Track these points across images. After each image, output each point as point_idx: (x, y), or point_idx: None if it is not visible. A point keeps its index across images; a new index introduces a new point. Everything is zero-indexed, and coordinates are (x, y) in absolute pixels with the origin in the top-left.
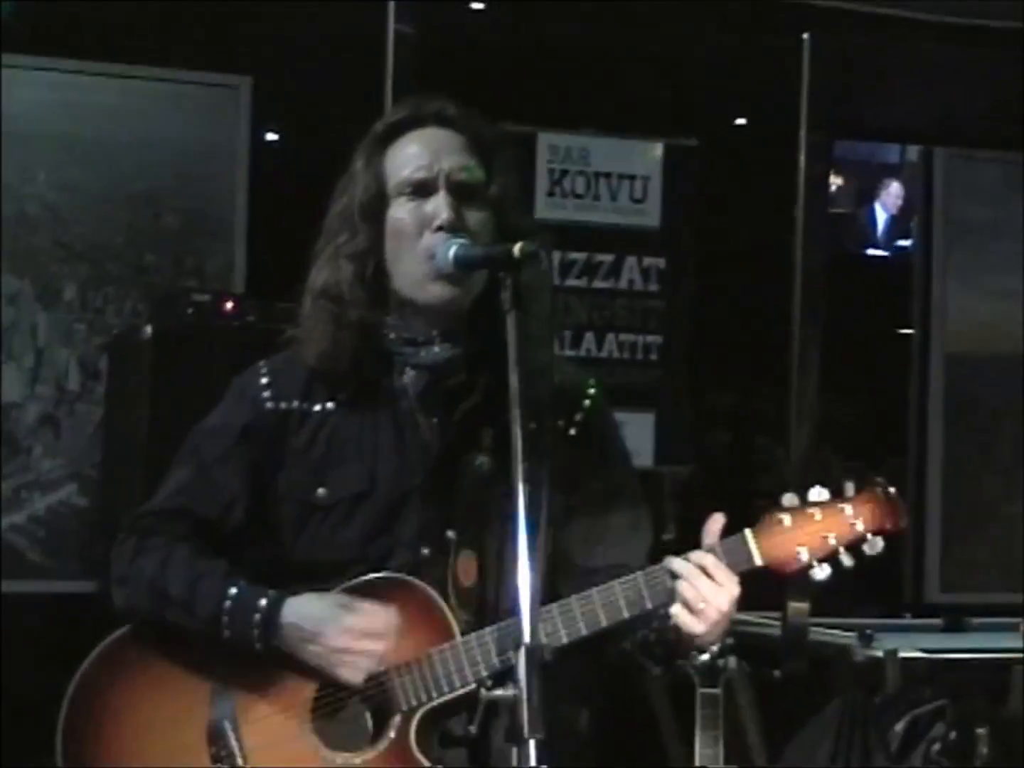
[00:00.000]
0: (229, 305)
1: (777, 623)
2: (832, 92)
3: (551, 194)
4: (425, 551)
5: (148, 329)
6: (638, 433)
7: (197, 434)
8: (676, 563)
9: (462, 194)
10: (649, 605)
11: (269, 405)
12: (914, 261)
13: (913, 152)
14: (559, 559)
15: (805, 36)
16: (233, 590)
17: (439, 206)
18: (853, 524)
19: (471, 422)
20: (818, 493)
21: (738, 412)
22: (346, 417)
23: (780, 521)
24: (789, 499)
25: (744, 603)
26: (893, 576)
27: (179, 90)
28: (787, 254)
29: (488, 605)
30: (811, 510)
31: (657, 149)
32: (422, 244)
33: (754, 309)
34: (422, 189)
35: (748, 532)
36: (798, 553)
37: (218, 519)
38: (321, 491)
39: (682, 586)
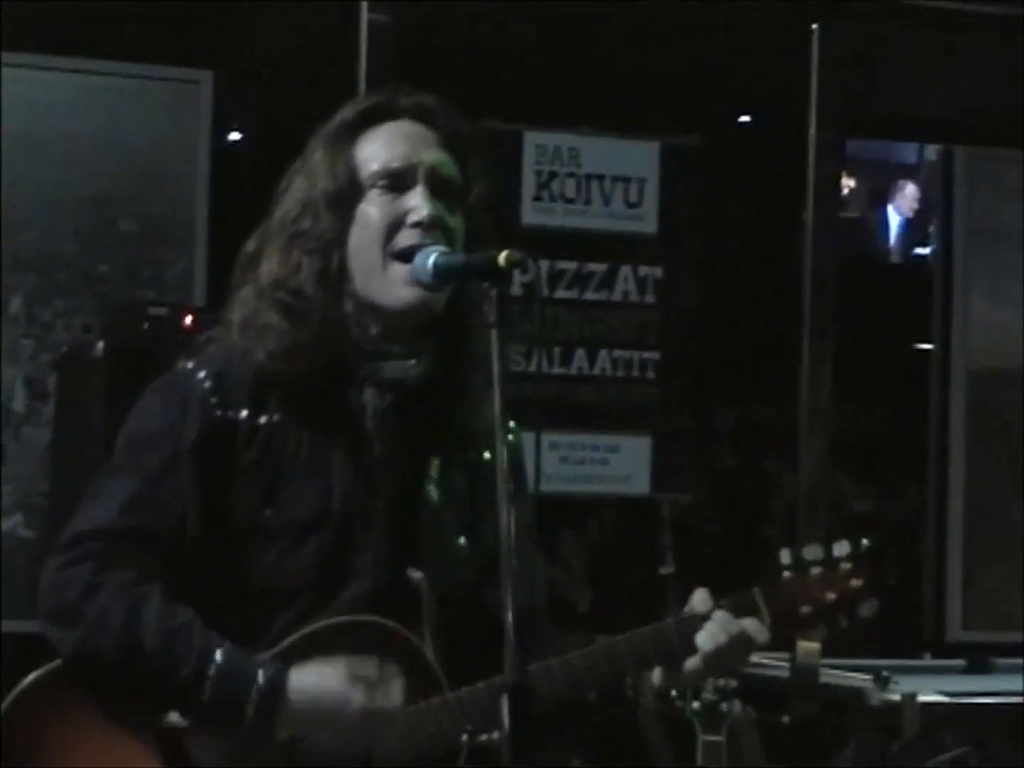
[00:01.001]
0: (189, 319)
1: (786, 664)
2: (844, 87)
3: (538, 198)
4: (382, 583)
5: (101, 345)
6: (634, 457)
7: (131, 441)
8: (702, 635)
9: (439, 192)
10: (653, 663)
11: (218, 414)
12: (933, 268)
13: (932, 152)
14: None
15: (814, 26)
16: (219, 654)
17: (417, 201)
18: (851, 584)
19: (425, 447)
20: (813, 551)
21: (743, 434)
22: (297, 431)
23: (786, 581)
24: (785, 556)
25: None
26: (912, 613)
27: (135, 85)
28: (796, 262)
29: (460, 647)
30: (813, 570)
31: (654, 149)
32: (395, 242)
33: (760, 322)
34: (398, 182)
35: (757, 591)
36: (802, 612)
37: (171, 537)
38: (269, 512)
39: (704, 642)
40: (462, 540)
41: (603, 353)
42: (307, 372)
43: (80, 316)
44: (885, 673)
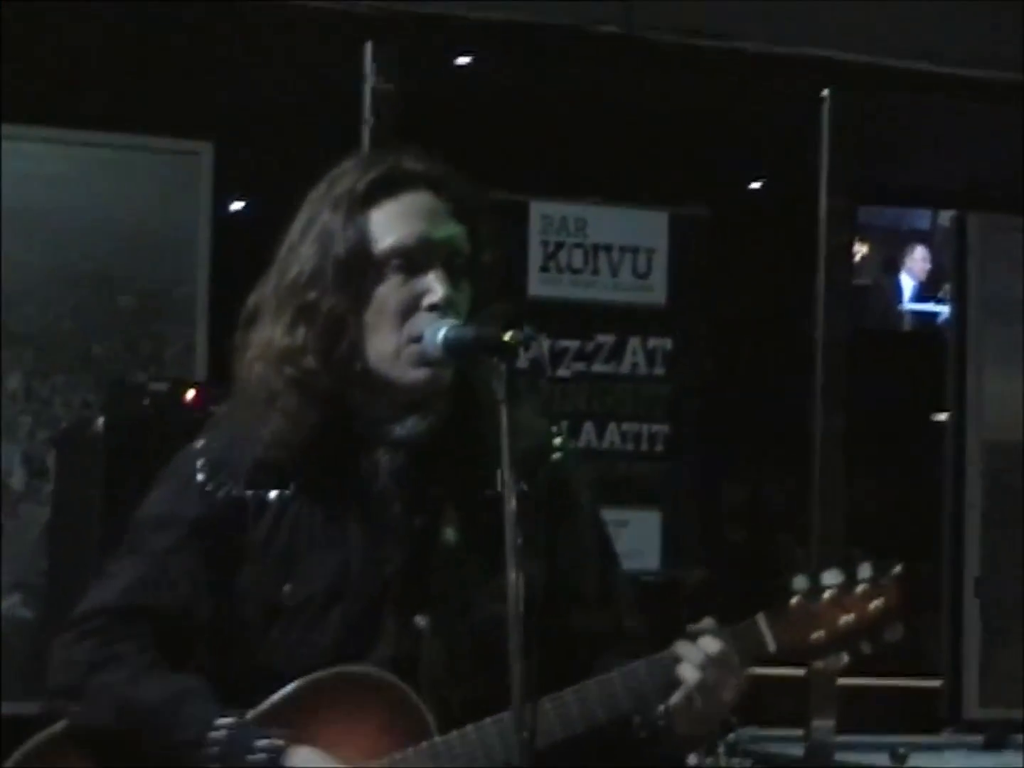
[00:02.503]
0: (190, 395)
1: (800, 740)
2: (855, 154)
3: (545, 269)
4: (404, 644)
5: (100, 422)
6: (643, 533)
7: (140, 524)
8: (681, 647)
9: (452, 268)
10: (650, 695)
11: (221, 494)
12: (947, 337)
13: (945, 218)
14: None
15: (825, 93)
16: (223, 720)
17: (434, 284)
18: (869, 607)
19: (442, 495)
20: (832, 576)
21: (754, 508)
22: (309, 503)
23: (793, 605)
24: (800, 581)
25: (763, 717)
26: (928, 689)
27: (134, 158)
28: (807, 332)
29: (467, 697)
30: (826, 593)
31: (662, 219)
32: (410, 324)
33: (770, 394)
34: (413, 261)
35: (761, 616)
36: (814, 639)
37: (179, 616)
38: (287, 588)
39: (686, 672)
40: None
41: (612, 426)
42: (314, 444)
43: (79, 392)
44: (902, 750)
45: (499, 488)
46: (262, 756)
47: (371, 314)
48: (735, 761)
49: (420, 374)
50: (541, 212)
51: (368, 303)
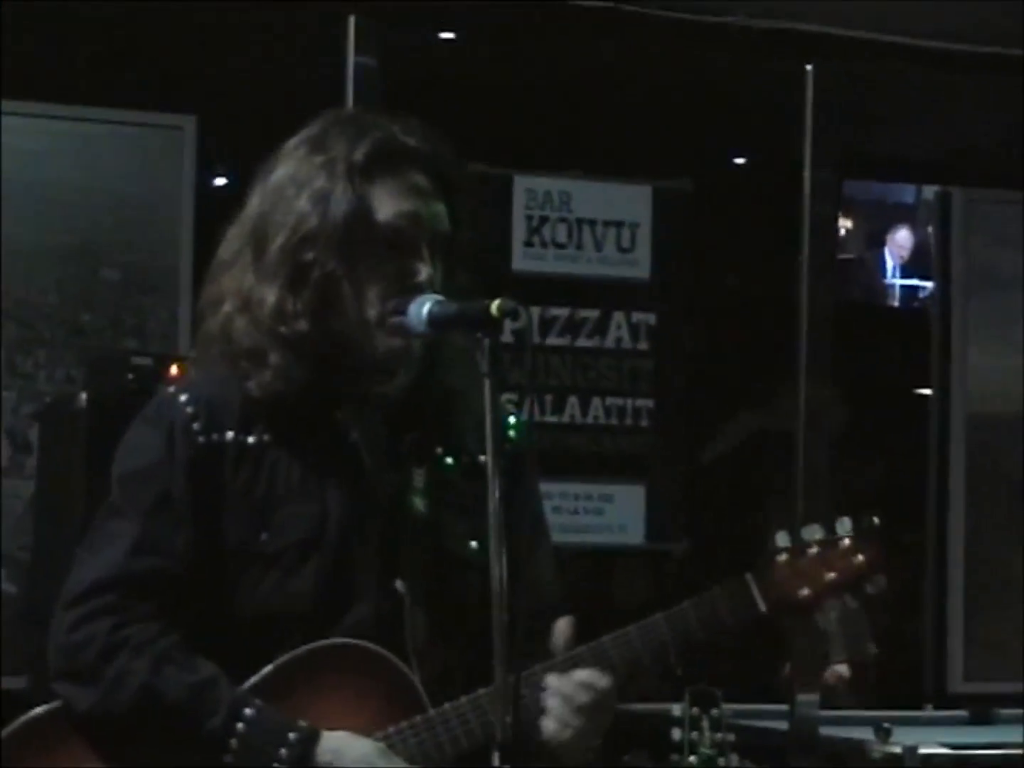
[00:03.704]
0: (174, 369)
1: (784, 716)
2: (839, 127)
3: (529, 243)
4: (384, 602)
5: (83, 396)
6: (628, 507)
7: (126, 478)
8: (551, 679)
9: (436, 246)
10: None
11: (202, 439)
12: (931, 312)
13: (929, 192)
14: None
15: (809, 66)
16: (249, 711)
17: (420, 262)
18: (853, 561)
19: (413, 459)
20: (812, 531)
21: (738, 482)
22: (286, 452)
23: (780, 563)
24: (782, 538)
25: (749, 694)
26: (912, 664)
27: (117, 132)
28: (791, 306)
29: (445, 664)
30: (810, 550)
31: (646, 193)
32: (395, 298)
33: (755, 367)
34: (404, 238)
35: (750, 577)
36: (801, 594)
37: (182, 572)
38: (264, 536)
39: (551, 702)
40: (473, 544)
41: (596, 401)
42: (297, 401)
43: (62, 367)
44: (886, 725)
45: (473, 453)
46: (294, 740)
47: (361, 283)
48: (719, 736)
49: (394, 343)
50: (525, 186)
51: (359, 272)
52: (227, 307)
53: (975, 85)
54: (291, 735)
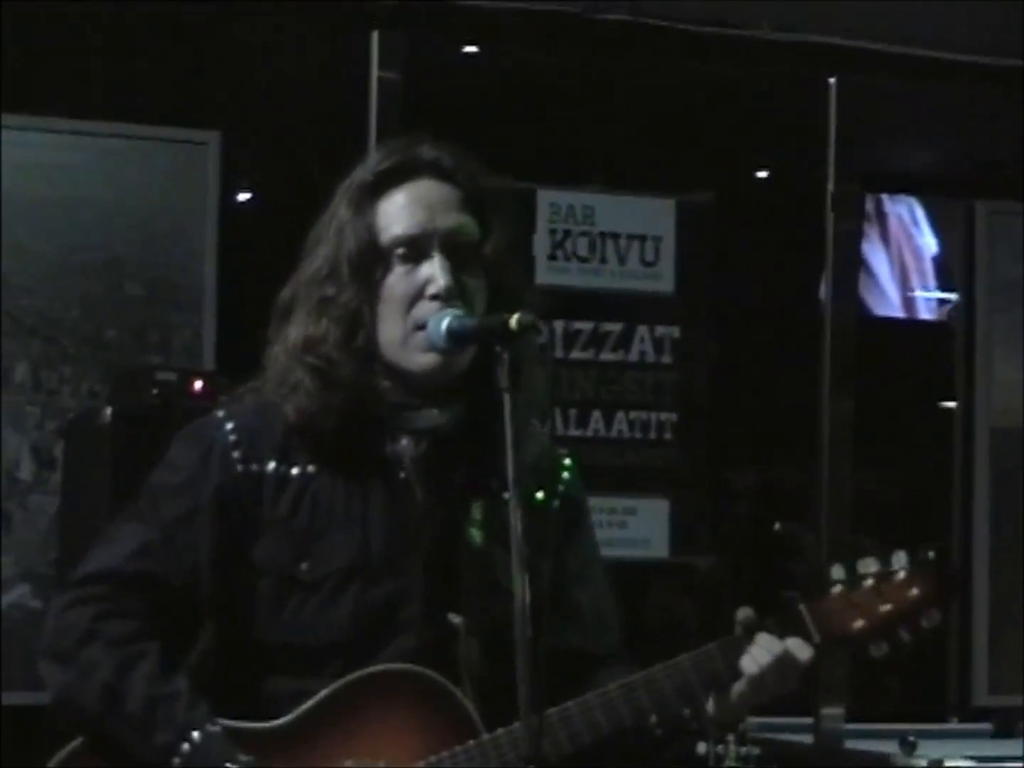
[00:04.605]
0: (198, 384)
1: (809, 729)
2: (862, 141)
3: (553, 257)
4: (431, 635)
5: (108, 411)
6: (652, 520)
7: (155, 490)
8: (751, 642)
9: (457, 257)
10: (699, 690)
11: (240, 468)
12: (955, 325)
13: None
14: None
15: (832, 80)
16: (197, 734)
17: (434, 272)
18: (908, 594)
19: (465, 493)
20: (868, 564)
21: (762, 495)
22: (331, 482)
23: (834, 595)
24: (837, 571)
25: (772, 707)
26: (937, 676)
27: (141, 147)
28: (815, 319)
29: (501, 694)
30: (865, 583)
31: (670, 206)
32: (414, 313)
33: (779, 381)
34: (416, 251)
35: (803, 607)
36: (855, 628)
37: (183, 588)
38: (304, 565)
39: (750, 668)
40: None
41: (620, 415)
42: (338, 426)
43: (87, 382)
44: (911, 738)
45: (529, 490)
46: None
47: (381, 304)
48: (744, 749)
49: (427, 359)
50: (549, 200)
51: (379, 293)
52: (276, 347)
53: (999, 98)
54: (228, 765)
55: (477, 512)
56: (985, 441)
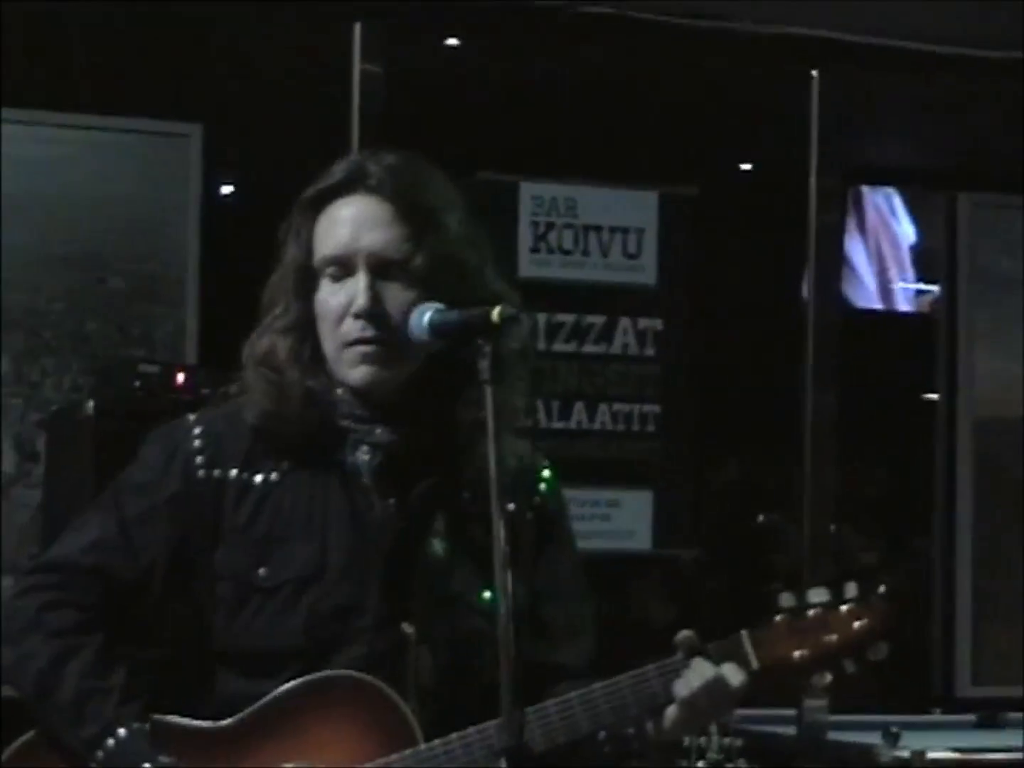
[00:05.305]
0: (180, 377)
1: (792, 721)
2: (845, 134)
3: (535, 250)
4: (382, 645)
5: (90, 404)
6: (635, 513)
7: (120, 486)
8: (680, 684)
9: (383, 273)
10: (634, 712)
11: (201, 473)
12: (938, 317)
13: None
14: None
15: (814, 73)
16: (122, 731)
17: (357, 291)
18: (856, 627)
19: (426, 504)
20: (818, 594)
21: (745, 488)
22: (292, 491)
23: (778, 622)
24: (787, 599)
25: (755, 699)
26: (920, 668)
27: (122, 140)
28: (797, 312)
29: (450, 705)
30: (811, 611)
31: (652, 199)
32: (341, 330)
33: (761, 374)
34: (342, 269)
35: (745, 634)
36: (796, 657)
37: (135, 586)
38: (262, 571)
39: (680, 691)
40: (487, 594)
41: (603, 407)
42: (300, 433)
43: (69, 375)
44: (894, 729)
45: (479, 498)
46: None
47: (319, 320)
48: (726, 741)
49: (359, 373)
50: (531, 193)
51: (316, 307)
52: (246, 349)
53: (981, 90)
54: (144, 765)
55: (440, 523)
56: (967, 433)
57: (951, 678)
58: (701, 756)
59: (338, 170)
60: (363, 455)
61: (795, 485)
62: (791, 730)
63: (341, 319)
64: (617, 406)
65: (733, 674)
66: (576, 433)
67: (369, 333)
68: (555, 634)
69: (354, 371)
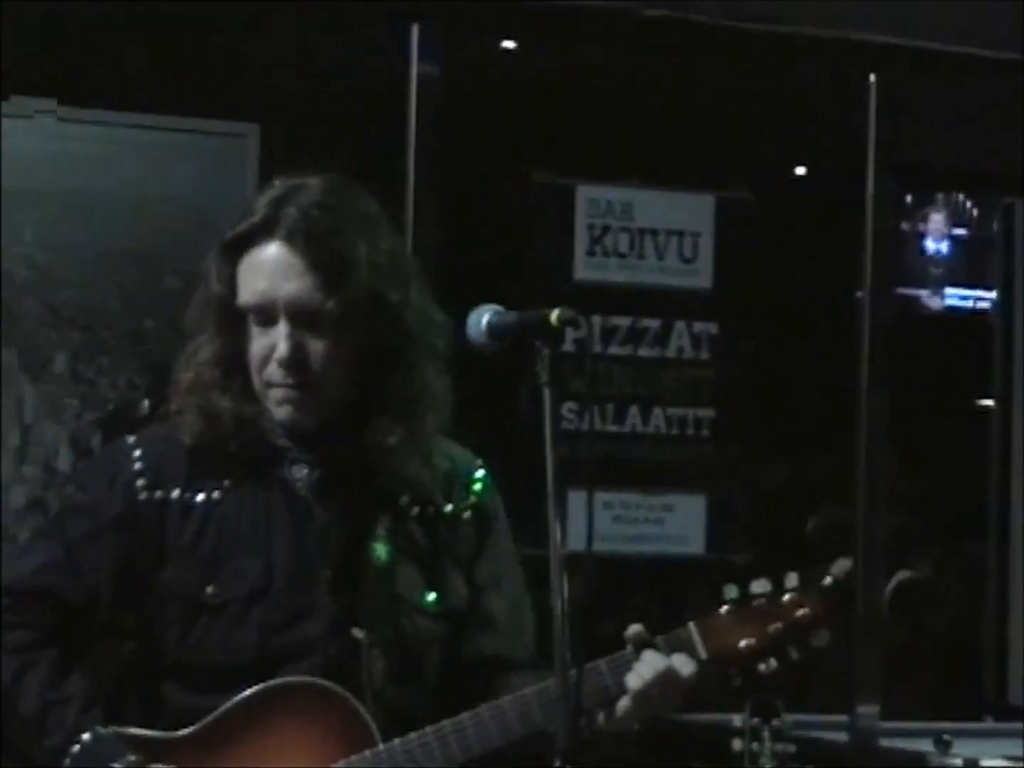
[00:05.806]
0: None
1: (844, 727)
2: (902, 138)
3: (591, 253)
4: (335, 650)
5: (146, 403)
6: (689, 517)
7: (64, 510)
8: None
9: (303, 321)
10: (588, 705)
11: (143, 495)
12: (994, 322)
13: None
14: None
15: (872, 76)
16: (86, 737)
17: (278, 340)
18: (797, 615)
19: (365, 510)
20: (760, 585)
21: (799, 491)
22: (234, 508)
23: (722, 614)
24: (731, 590)
25: (806, 705)
26: (973, 675)
27: (180, 139)
28: (853, 316)
29: (402, 706)
30: (755, 602)
31: (708, 202)
32: (265, 374)
33: (816, 378)
34: (263, 317)
35: (692, 625)
36: (742, 646)
37: (84, 608)
38: (211, 589)
39: (632, 682)
40: (431, 595)
41: (657, 411)
42: (238, 453)
43: (125, 373)
44: (946, 737)
45: (437, 504)
46: None
47: (248, 356)
48: (779, 747)
49: (283, 412)
50: (587, 196)
51: (243, 345)
52: (174, 374)
53: None
54: (114, 764)
55: (382, 527)
56: (1021, 437)
57: (1003, 686)
58: (754, 762)
59: (258, 209)
60: (300, 470)
61: (849, 490)
62: (843, 737)
63: (265, 362)
64: (671, 410)
65: (683, 664)
66: (630, 437)
67: (290, 380)
68: (500, 627)
69: (278, 410)
